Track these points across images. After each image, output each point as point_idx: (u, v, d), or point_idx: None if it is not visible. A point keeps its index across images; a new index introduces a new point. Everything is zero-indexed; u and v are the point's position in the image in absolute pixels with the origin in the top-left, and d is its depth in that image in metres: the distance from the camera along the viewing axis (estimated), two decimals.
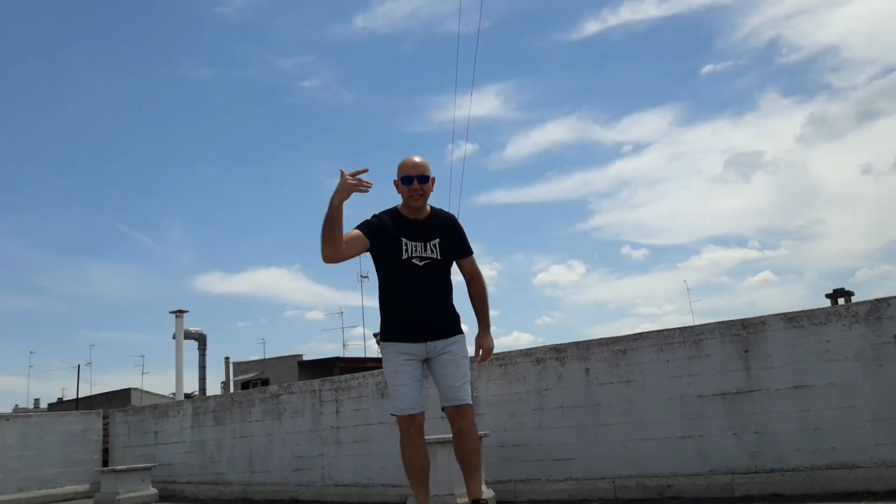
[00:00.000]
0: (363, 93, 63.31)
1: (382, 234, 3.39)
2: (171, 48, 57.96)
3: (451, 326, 3.49)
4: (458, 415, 3.41)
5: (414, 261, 3.39)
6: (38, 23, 50.85)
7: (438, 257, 3.42)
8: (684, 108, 61.47)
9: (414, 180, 3.37)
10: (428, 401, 6.24)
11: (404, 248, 3.38)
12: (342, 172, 3.13)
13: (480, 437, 5.41)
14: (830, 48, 54.22)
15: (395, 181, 3.45)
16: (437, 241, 3.43)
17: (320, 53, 62.47)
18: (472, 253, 3.59)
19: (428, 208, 3.48)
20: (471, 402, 3.48)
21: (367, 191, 3.13)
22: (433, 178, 3.45)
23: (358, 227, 3.39)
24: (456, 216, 3.60)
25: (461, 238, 3.55)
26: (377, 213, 3.50)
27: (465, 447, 3.45)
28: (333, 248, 3.19)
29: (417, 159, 3.42)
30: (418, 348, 3.41)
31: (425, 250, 3.40)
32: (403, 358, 3.41)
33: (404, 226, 3.42)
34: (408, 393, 3.37)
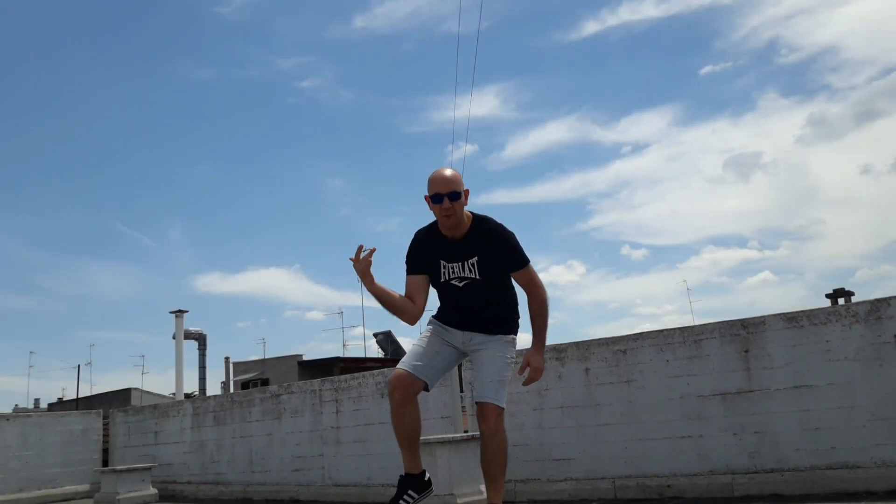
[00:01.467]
0: (363, 93, 63.34)
1: (427, 263, 3.30)
2: (170, 48, 57.98)
3: (497, 327, 3.33)
4: (480, 415, 3.18)
5: (453, 282, 3.26)
6: (36, 23, 50.86)
7: (477, 277, 3.22)
8: (683, 108, 61.50)
9: (444, 198, 3.14)
10: (427, 400, 6.19)
11: (442, 269, 3.27)
12: (352, 262, 3.12)
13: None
14: (829, 48, 54.25)
15: (425, 197, 3.24)
16: (476, 259, 3.22)
17: (320, 54, 62.50)
18: (524, 265, 3.26)
19: (468, 221, 3.24)
20: (497, 403, 3.18)
21: (370, 254, 3.12)
22: (467, 191, 3.22)
23: (410, 275, 3.31)
24: (503, 226, 3.30)
25: (506, 251, 3.24)
26: (418, 231, 3.37)
27: (486, 453, 3.21)
28: (409, 316, 3.25)
29: (448, 173, 3.20)
30: (456, 335, 3.33)
31: (463, 270, 3.24)
32: (438, 333, 3.34)
33: (442, 245, 3.27)
34: (416, 351, 3.25)
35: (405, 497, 3.22)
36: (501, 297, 3.36)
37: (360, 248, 3.11)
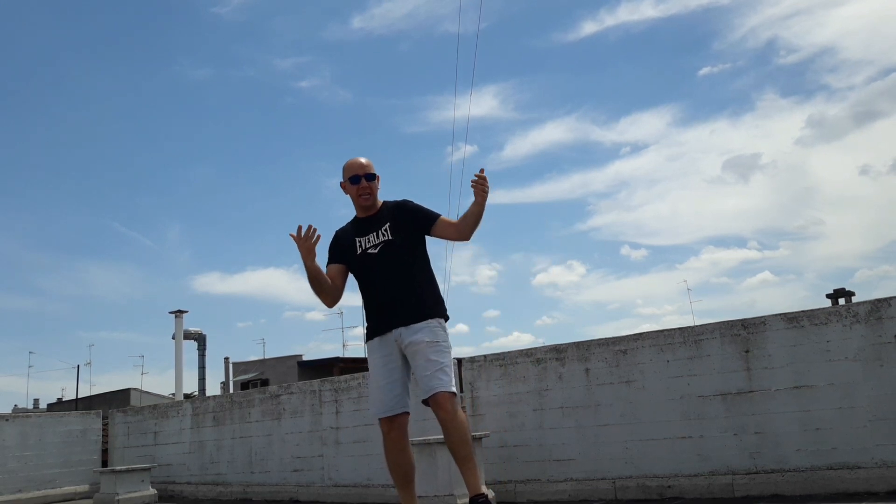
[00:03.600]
0: (361, 93, 63.34)
1: (342, 250, 3.52)
2: (168, 49, 57.98)
3: (418, 311, 3.35)
4: (435, 405, 3.18)
5: (369, 251, 3.44)
6: (35, 25, 50.83)
7: (389, 237, 3.41)
8: (682, 108, 61.53)
9: (362, 179, 3.47)
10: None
11: (357, 245, 3.47)
12: (294, 238, 3.28)
13: (480, 438, 5.42)
14: (828, 49, 54.30)
15: (341, 183, 3.55)
16: (388, 224, 3.45)
17: (317, 54, 62.48)
18: (436, 215, 3.49)
19: (379, 203, 3.54)
20: (447, 389, 3.20)
21: (316, 241, 3.30)
22: (378, 177, 3.54)
23: (329, 264, 3.53)
24: (409, 199, 3.57)
25: (416, 212, 3.50)
26: (338, 229, 3.61)
27: (450, 438, 3.20)
28: (329, 298, 3.46)
29: (363, 160, 3.53)
30: (389, 341, 3.36)
31: (377, 237, 3.44)
32: (379, 356, 3.38)
33: (358, 227, 3.52)
34: (380, 396, 3.34)
35: None
36: (417, 268, 3.46)
37: (302, 228, 3.28)
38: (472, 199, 3.32)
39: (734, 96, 58.13)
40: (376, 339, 3.41)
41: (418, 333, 3.30)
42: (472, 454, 3.26)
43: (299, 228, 3.26)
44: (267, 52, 60.17)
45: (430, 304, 3.41)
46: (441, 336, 3.35)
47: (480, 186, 3.29)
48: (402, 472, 3.37)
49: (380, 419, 3.35)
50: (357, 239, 3.48)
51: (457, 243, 3.68)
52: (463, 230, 3.39)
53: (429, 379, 3.23)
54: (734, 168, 57.19)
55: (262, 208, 61.41)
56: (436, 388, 3.20)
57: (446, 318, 3.46)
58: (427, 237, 3.53)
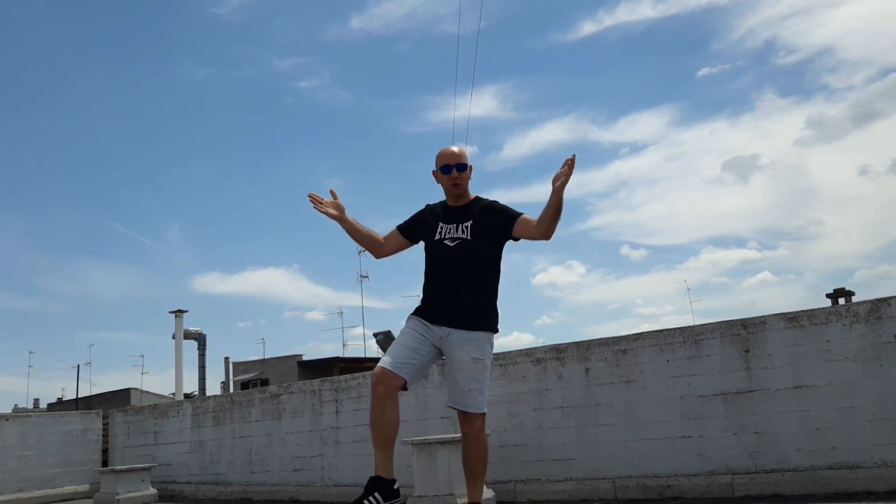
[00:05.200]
0: (360, 93, 63.34)
1: (421, 225, 3.57)
2: (167, 49, 57.96)
3: (473, 319, 3.34)
4: (465, 421, 3.36)
5: (446, 242, 3.45)
6: (35, 25, 50.81)
7: (468, 237, 3.41)
8: (681, 109, 61.53)
9: (453, 169, 3.48)
10: (427, 400, 6.18)
11: (438, 230, 3.49)
12: (317, 206, 3.50)
13: None
14: (827, 49, 54.32)
15: (433, 171, 3.57)
16: (471, 222, 3.44)
17: (317, 54, 62.46)
18: (519, 214, 3.41)
19: (471, 196, 3.57)
20: (481, 410, 3.34)
21: (334, 204, 3.52)
22: (471, 167, 3.55)
23: (398, 227, 3.62)
24: (497, 201, 3.55)
25: (501, 213, 3.44)
26: (430, 204, 3.65)
27: (470, 454, 3.41)
28: (373, 248, 3.62)
29: (455, 149, 3.54)
30: (433, 330, 3.36)
31: (457, 231, 3.44)
32: (416, 330, 3.37)
33: (446, 213, 3.54)
34: (395, 350, 3.28)
35: (370, 498, 3.12)
36: (486, 276, 3.45)
37: (316, 197, 3.50)
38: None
39: (733, 96, 58.18)
40: (424, 321, 3.40)
41: (466, 345, 3.32)
42: (484, 473, 3.43)
43: (313, 199, 3.47)
44: (266, 53, 60.21)
45: (487, 315, 3.42)
46: (487, 352, 3.38)
47: (566, 173, 3.08)
48: (381, 432, 3.19)
49: (376, 369, 3.21)
50: (441, 224, 3.50)
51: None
52: (543, 227, 3.25)
53: (466, 396, 3.32)
54: (733, 169, 57.21)
55: (261, 208, 61.42)
56: (471, 407, 3.32)
57: (497, 332, 3.48)
58: (511, 241, 3.47)
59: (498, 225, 3.42)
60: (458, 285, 3.38)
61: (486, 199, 3.56)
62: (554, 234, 3.27)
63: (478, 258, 3.41)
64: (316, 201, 3.53)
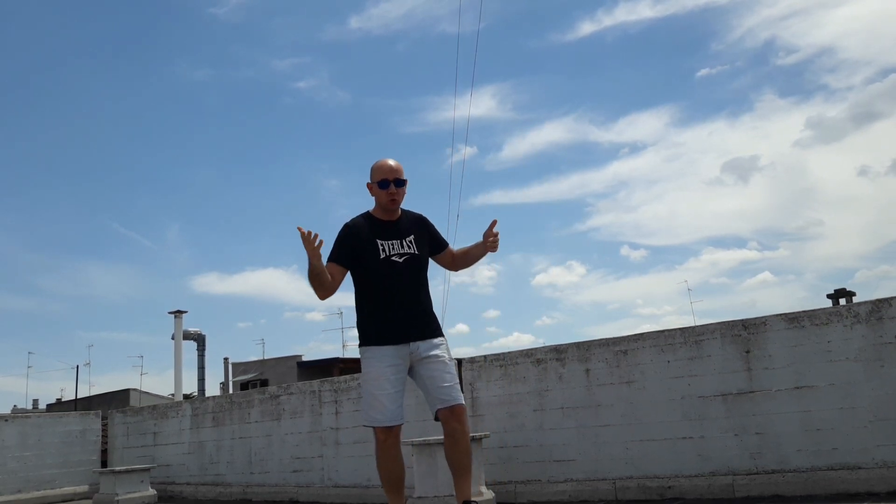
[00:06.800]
0: (359, 94, 63.41)
1: (356, 248, 3.42)
2: (166, 50, 58.06)
3: (435, 328, 3.49)
4: (453, 416, 3.34)
5: (393, 258, 3.41)
6: (35, 27, 50.80)
7: (416, 252, 3.47)
8: (680, 109, 61.60)
9: (391, 184, 3.42)
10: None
11: (381, 248, 3.41)
12: (302, 236, 3.16)
13: (480, 439, 5.41)
14: (826, 49, 54.38)
15: (368, 184, 3.50)
16: (412, 237, 3.49)
17: (315, 54, 62.54)
18: (447, 244, 3.69)
19: (399, 210, 3.55)
20: (464, 402, 3.44)
21: (320, 245, 3.21)
22: (406, 181, 3.51)
23: (332, 261, 3.40)
24: (426, 217, 3.68)
25: (435, 235, 3.64)
26: (349, 220, 3.50)
27: (459, 449, 3.39)
28: (325, 292, 3.35)
29: (392, 163, 3.46)
30: (402, 352, 3.36)
31: (402, 247, 3.44)
32: (388, 364, 3.33)
33: (379, 228, 3.46)
34: (388, 404, 3.31)
35: None
36: (427, 287, 3.58)
37: (307, 232, 3.17)
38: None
39: (732, 97, 58.27)
40: (390, 348, 3.36)
41: (437, 349, 3.43)
42: (471, 465, 3.50)
43: (304, 233, 3.15)
44: (265, 53, 60.28)
45: (437, 322, 3.55)
46: (451, 355, 3.54)
47: (493, 244, 3.50)
48: (395, 478, 3.42)
49: (378, 427, 3.33)
50: (381, 242, 3.41)
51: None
52: (458, 265, 3.70)
53: (450, 389, 3.37)
54: (733, 170, 57.24)
55: (260, 208, 61.51)
56: (457, 399, 3.36)
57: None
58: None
59: (433, 244, 3.61)
60: (414, 299, 3.45)
61: (413, 213, 3.62)
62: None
63: (424, 271, 3.55)
64: (307, 237, 3.24)
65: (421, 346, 3.38)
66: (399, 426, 3.36)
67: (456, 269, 3.77)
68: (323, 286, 3.32)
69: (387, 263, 3.39)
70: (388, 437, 3.33)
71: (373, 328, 3.41)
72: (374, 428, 3.35)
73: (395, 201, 3.44)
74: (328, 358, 27.31)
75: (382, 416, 3.30)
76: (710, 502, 4.76)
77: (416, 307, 3.43)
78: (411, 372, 3.43)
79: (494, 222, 3.46)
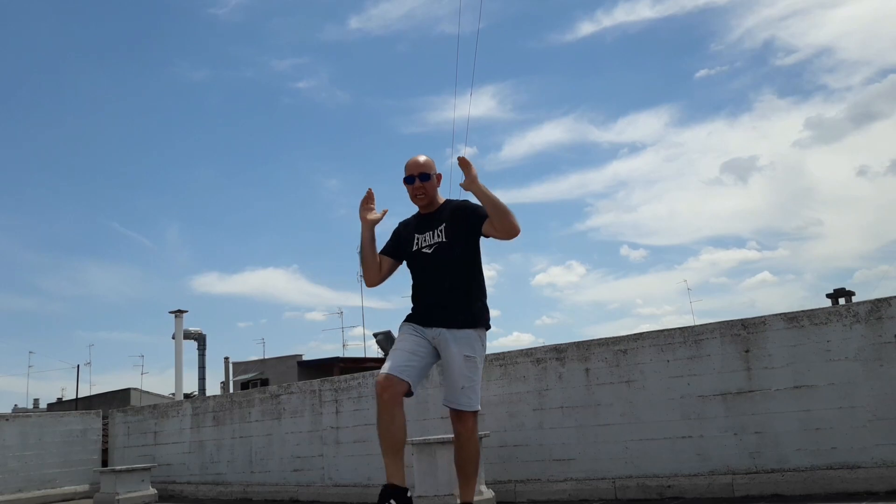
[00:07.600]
0: (358, 94, 63.39)
1: (400, 243, 3.61)
2: (165, 50, 58.04)
3: (462, 317, 3.38)
4: (458, 420, 3.37)
5: (423, 250, 3.49)
6: (34, 28, 50.80)
7: (444, 240, 3.45)
8: (680, 109, 61.57)
9: (416, 179, 3.50)
10: (427, 401, 6.16)
11: (415, 241, 3.53)
12: (364, 205, 3.49)
13: (481, 438, 5.42)
14: (825, 49, 54.35)
15: (404, 180, 3.60)
16: (444, 225, 3.48)
17: (315, 55, 62.50)
18: (486, 215, 3.38)
19: (440, 200, 3.59)
20: (474, 408, 3.36)
21: (381, 216, 3.46)
22: (439, 175, 3.58)
23: (381, 252, 3.61)
24: (468, 199, 3.52)
25: (472, 212, 3.44)
26: (403, 220, 3.70)
27: (462, 454, 3.42)
28: (372, 274, 3.53)
29: (421, 159, 3.54)
30: (427, 333, 3.40)
31: (432, 237, 3.48)
32: (412, 332, 3.41)
33: (420, 222, 3.58)
34: (396, 356, 3.28)
35: None
36: (466, 274, 3.46)
37: (369, 191, 3.51)
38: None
39: (732, 97, 58.26)
40: (413, 324, 3.46)
41: (457, 344, 3.35)
42: (476, 473, 3.46)
43: (368, 192, 3.49)
44: (264, 53, 60.25)
45: (473, 312, 3.44)
46: (478, 350, 3.40)
47: (466, 173, 3.26)
48: (390, 440, 3.21)
49: (380, 377, 3.21)
50: (416, 235, 3.54)
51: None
52: (497, 225, 3.29)
53: (459, 394, 3.34)
54: (732, 170, 57.24)
55: (260, 208, 61.49)
56: (462, 405, 3.33)
57: (487, 328, 3.49)
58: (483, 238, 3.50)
59: (469, 223, 3.44)
60: (442, 287, 3.43)
61: (457, 200, 3.60)
62: (516, 233, 3.30)
63: (455, 258, 3.44)
64: (368, 200, 3.52)
65: (444, 333, 3.36)
66: (401, 385, 3.19)
67: (501, 231, 3.30)
68: (366, 264, 3.50)
69: (417, 255, 3.51)
70: (384, 391, 3.15)
71: (412, 310, 3.54)
72: (377, 383, 3.26)
73: (419, 196, 3.52)
74: (328, 357, 27.28)
75: (388, 364, 3.27)
76: (710, 501, 4.77)
77: (442, 295, 3.40)
78: (438, 355, 3.43)
79: (460, 159, 3.26)
